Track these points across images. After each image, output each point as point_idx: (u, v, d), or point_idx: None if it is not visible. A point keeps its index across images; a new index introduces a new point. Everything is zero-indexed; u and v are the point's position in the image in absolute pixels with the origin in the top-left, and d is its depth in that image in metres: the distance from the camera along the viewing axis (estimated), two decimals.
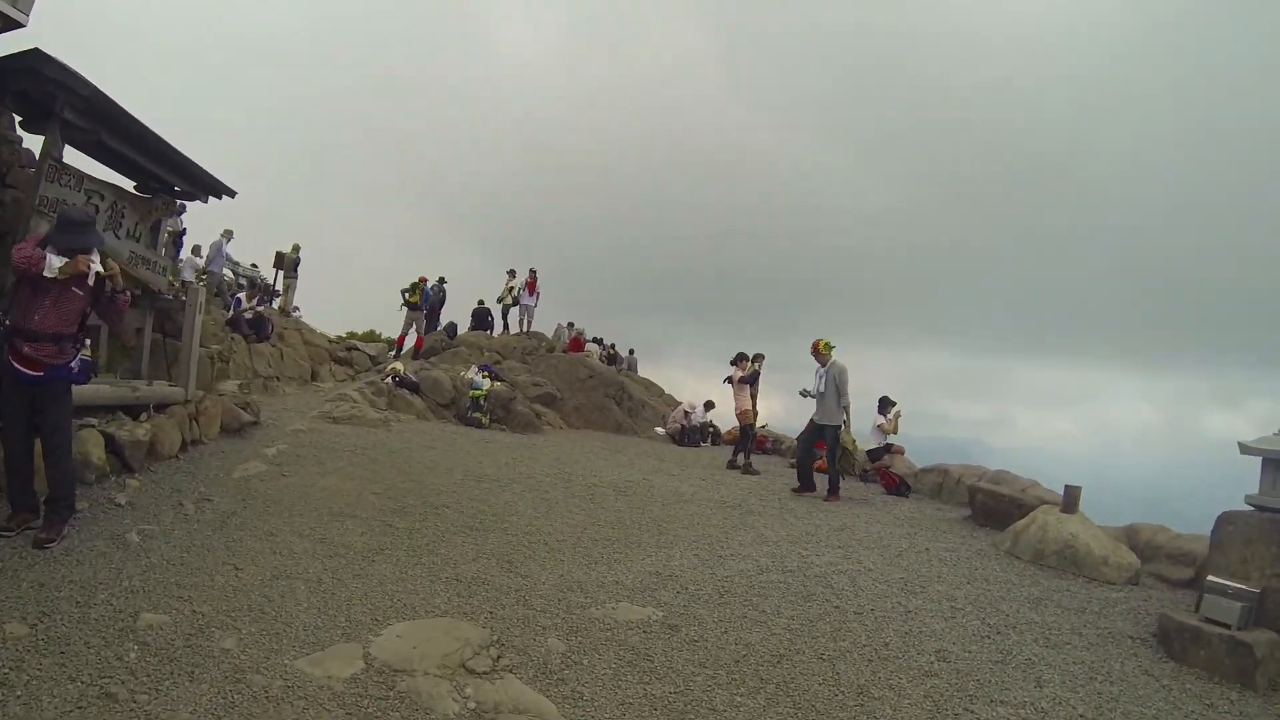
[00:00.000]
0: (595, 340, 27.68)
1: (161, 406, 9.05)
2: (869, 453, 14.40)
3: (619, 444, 16.07)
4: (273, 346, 16.73)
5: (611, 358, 28.06)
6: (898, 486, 12.83)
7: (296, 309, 25.52)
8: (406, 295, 19.98)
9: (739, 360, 14.45)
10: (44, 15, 7.68)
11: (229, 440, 10.02)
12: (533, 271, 24.23)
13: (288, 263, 22.06)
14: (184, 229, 20.11)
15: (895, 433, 14.59)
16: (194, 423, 9.50)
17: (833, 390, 11.18)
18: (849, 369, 11.30)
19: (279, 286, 22.56)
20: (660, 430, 18.75)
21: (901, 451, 14.76)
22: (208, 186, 10.11)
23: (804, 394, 11.87)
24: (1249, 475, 6.66)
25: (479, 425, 14.91)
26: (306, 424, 11.81)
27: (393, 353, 21.15)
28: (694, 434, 18.32)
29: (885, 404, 14.73)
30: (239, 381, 14.43)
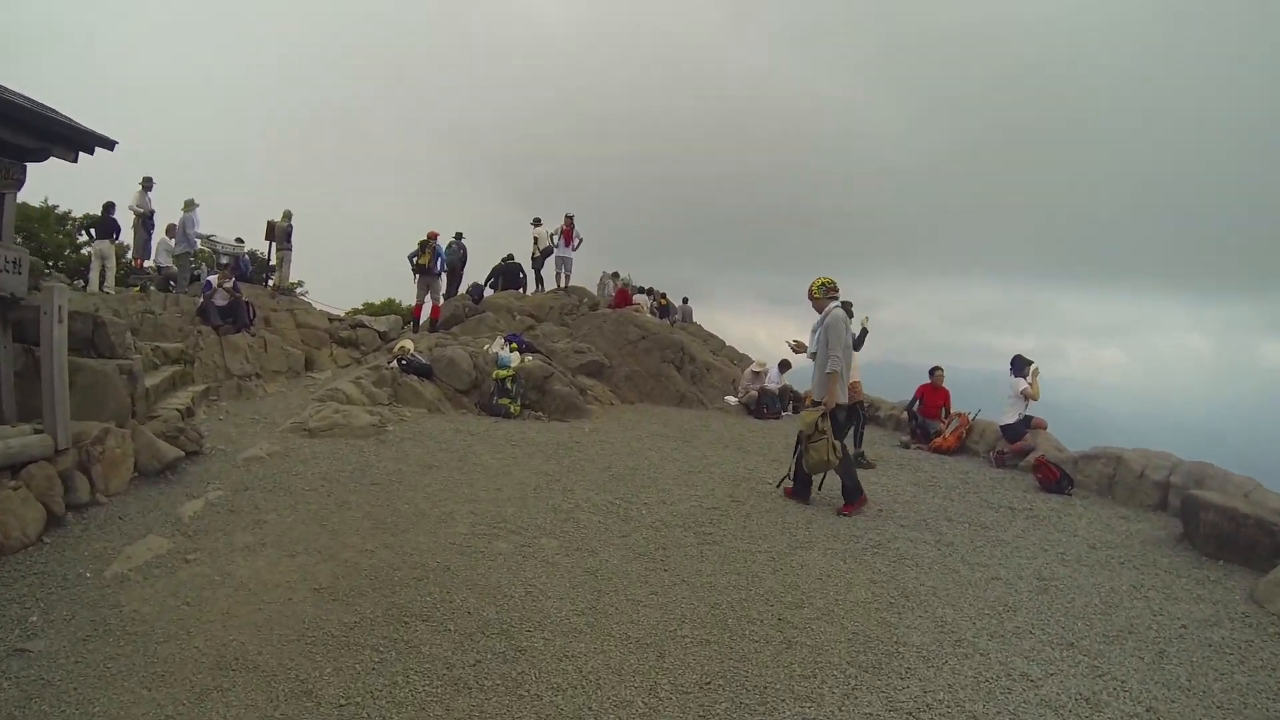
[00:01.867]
0: (643, 290, 24.51)
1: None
2: (1005, 429, 11.38)
3: (686, 425, 13.00)
4: (253, 335, 13.92)
5: (664, 309, 24.95)
6: (1058, 481, 9.55)
7: (300, 286, 22.79)
8: (414, 259, 16.87)
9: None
10: None
11: (146, 490, 7.41)
12: (569, 218, 21.03)
13: (279, 232, 19.25)
14: (153, 209, 17.38)
15: (1037, 398, 11.33)
16: (81, 477, 6.70)
17: (822, 344, 7.96)
18: (847, 320, 8.13)
19: (273, 260, 19.77)
20: (731, 399, 15.58)
21: (1044, 425, 11.53)
22: (63, 139, 7.09)
23: (794, 347, 8.81)
24: None
25: (506, 415, 12.00)
26: (269, 445, 9.03)
27: (409, 326, 18.22)
28: (773, 402, 15.15)
29: (1020, 364, 11.55)
30: (200, 389, 11.67)
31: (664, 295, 26.57)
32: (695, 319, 25.53)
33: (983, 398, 13.09)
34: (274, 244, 19.45)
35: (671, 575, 5.85)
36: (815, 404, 8.07)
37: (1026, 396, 11.25)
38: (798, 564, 6.26)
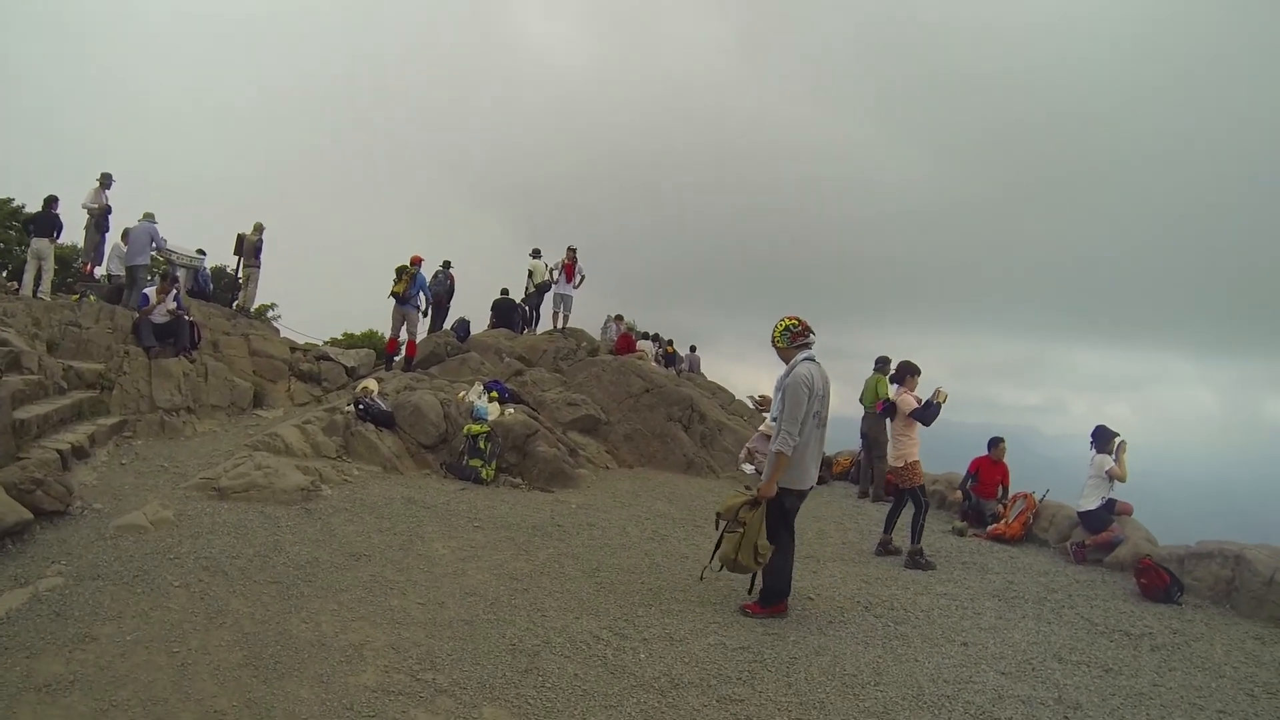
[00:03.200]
0: (648, 336, 22.65)
1: None
2: (1085, 517, 9.52)
3: (695, 500, 11.03)
4: (192, 361, 12.02)
5: (670, 357, 23.10)
6: (1166, 588, 7.62)
7: (271, 309, 20.94)
8: (393, 285, 14.95)
9: (905, 375, 9.11)
10: None
11: None
12: (571, 251, 19.23)
13: (247, 247, 17.45)
14: (108, 206, 15.60)
15: (1125, 479, 9.48)
16: None
17: (780, 421, 6.10)
18: (818, 378, 6.17)
19: (240, 277, 17.95)
20: (748, 467, 13.55)
21: (1130, 511, 9.68)
22: None
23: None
24: None
25: (477, 479, 10.03)
26: (159, 508, 7.14)
27: (383, 363, 16.26)
28: None
29: (1104, 437, 9.73)
30: (111, 423, 9.83)
31: (670, 342, 24.74)
32: (702, 369, 23.69)
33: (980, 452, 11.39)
34: (241, 259, 17.64)
35: None
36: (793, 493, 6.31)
37: (1112, 477, 9.43)
38: None
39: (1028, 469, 9.79)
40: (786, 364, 6.17)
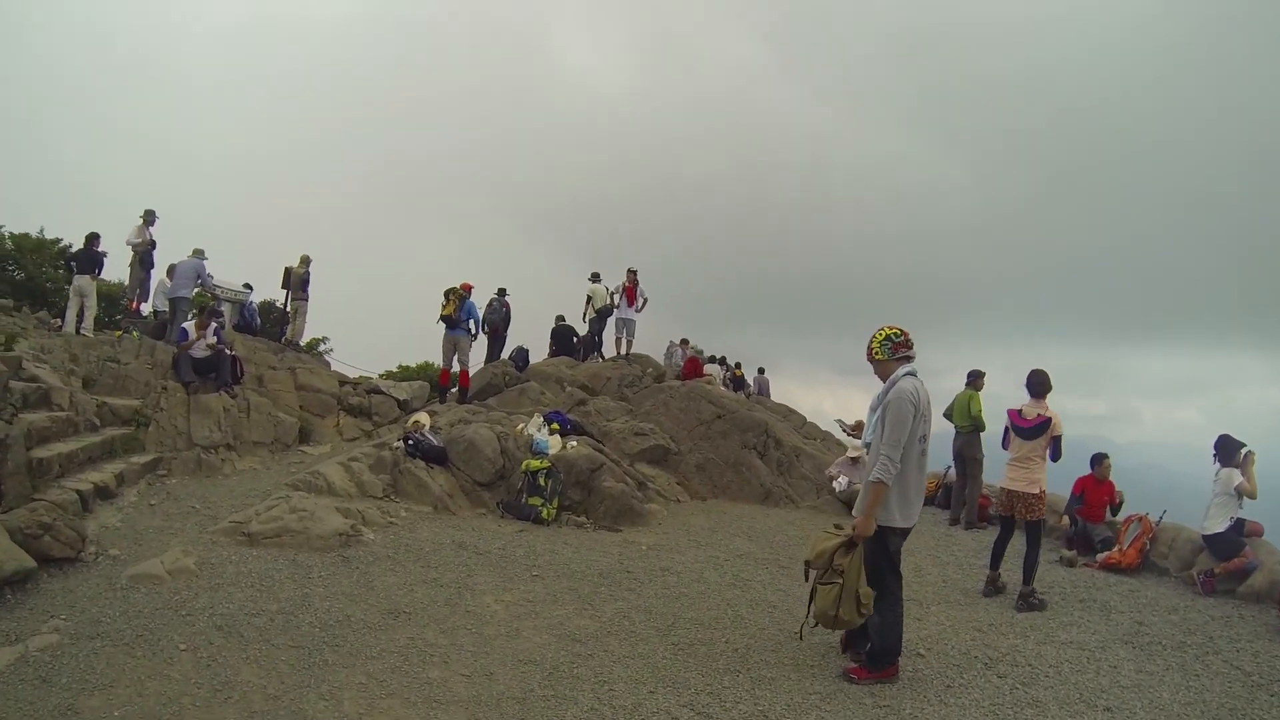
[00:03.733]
0: (715, 360, 21.64)
1: None
2: (1212, 541, 8.50)
3: (777, 534, 9.94)
4: (233, 397, 11.39)
5: (737, 381, 22.08)
6: None
7: (324, 342, 20.51)
8: (441, 308, 14.15)
9: (1039, 387, 7.77)
10: None
11: None
12: (631, 273, 18.35)
13: (294, 280, 16.95)
14: (153, 241, 15.22)
15: (1255, 495, 8.40)
16: None
17: (878, 445, 5.14)
18: (922, 395, 5.18)
19: (289, 310, 17.48)
20: (841, 480, 12.45)
21: (1260, 531, 8.61)
22: None
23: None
24: None
25: (537, 520, 9.08)
26: (181, 554, 6.45)
27: (437, 396, 15.50)
28: None
29: (1229, 447, 8.60)
30: (144, 460, 9.24)
31: (738, 365, 23.72)
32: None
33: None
34: (289, 292, 17.17)
35: None
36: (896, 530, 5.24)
37: (1241, 494, 8.33)
38: None
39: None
40: (884, 379, 5.21)
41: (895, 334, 5.24)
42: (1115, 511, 10.26)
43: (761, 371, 24.03)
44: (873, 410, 5.21)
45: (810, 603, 5.26)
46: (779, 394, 22.60)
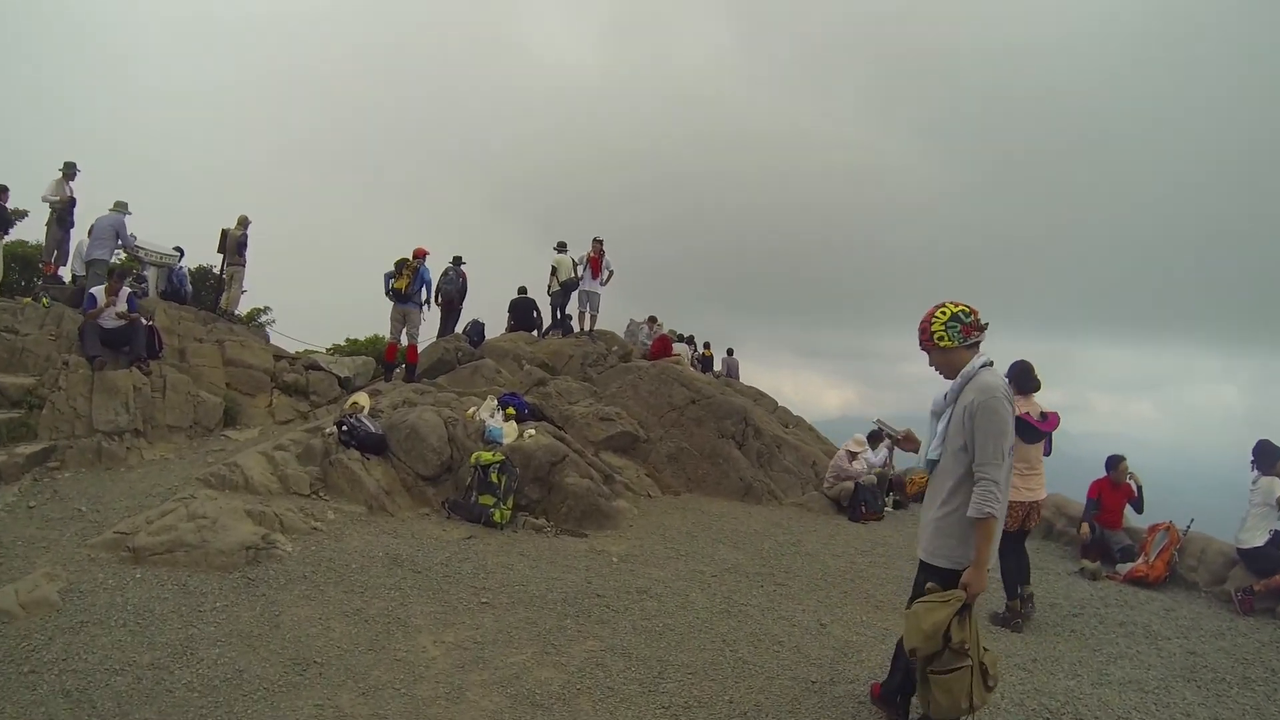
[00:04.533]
0: (683, 339, 20.40)
1: None
2: (1249, 555, 7.72)
3: (764, 538, 8.90)
4: (146, 375, 10.05)
5: (706, 362, 20.94)
6: None
7: (265, 313, 18.96)
8: (390, 282, 12.85)
9: (1031, 382, 6.79)
10: None
11: None
12: (597, 242, 17.05)
13: (230, 243, 15.45)
14: (72, 199, 13.67)
15: None
16: None
17: (958, 449, 3.87)
18: (1009, 395, 3.91)
19: (225, 276, 16.00)
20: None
21: None
22: None
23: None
24: None
25: (489, 523, 7.92)
26: (47, 578, 5.20)
27: (383, 373, 14.20)
28: (873, 499, 11.03)
29: (1270, 454, 7.93)
30: (32, 450, 7.94)
31: (707, 345, 22.57)
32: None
33: None
34: (225, 257, 15.69)
35: None
36: (934, 567, 3.95)
37: None
38: None
39: (1058, 473, 7.95)
40: (949, 373, 3.92)
41: (963, 312, 3.90)
42: (1140, 508, 9.37)
43: (730, 353, 22.91)
44: (935, 415, 3.97)
45: (920, 694, 3.91)
46: (745, 378, 21.43)
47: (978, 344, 3.93)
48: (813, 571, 7.72)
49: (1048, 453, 6.95)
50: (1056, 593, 7.68)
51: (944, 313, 3.91)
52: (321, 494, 8.04)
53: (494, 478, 8.11)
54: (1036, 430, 6.62)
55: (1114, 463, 9.33)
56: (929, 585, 3.81)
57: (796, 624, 5.90)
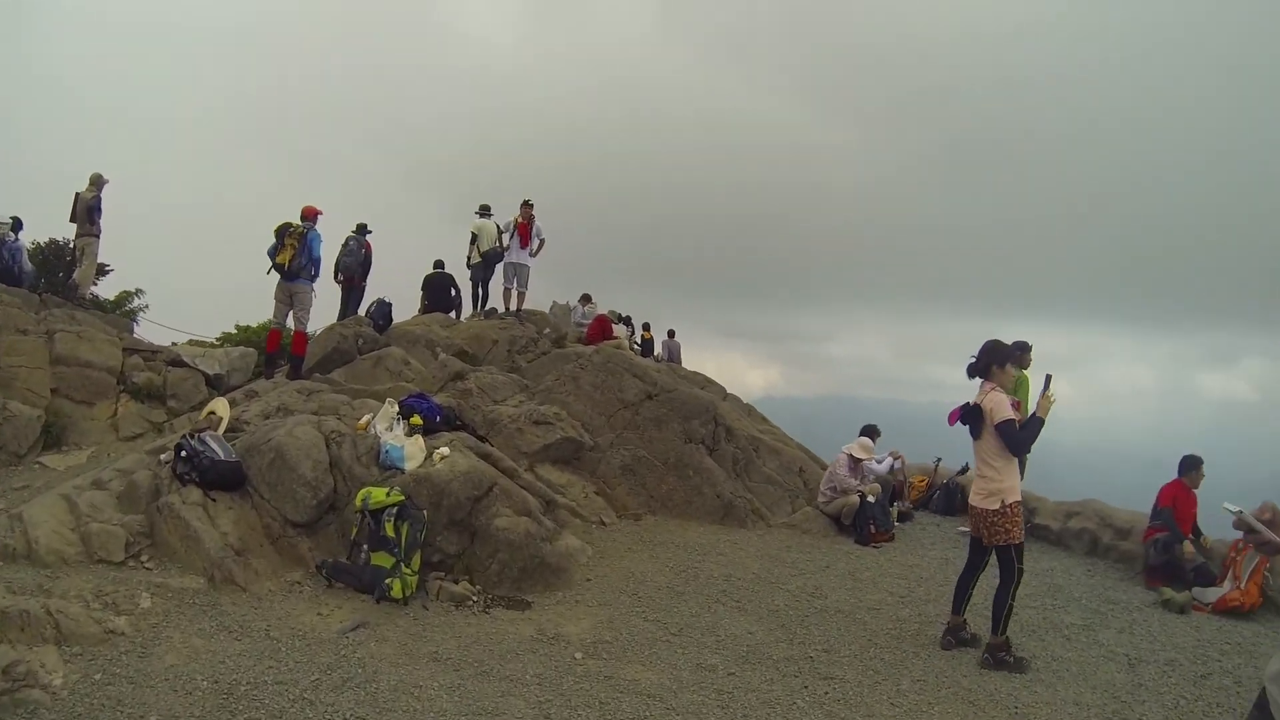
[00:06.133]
0: (621, 319, 18.04)
1: None
2: None
3: (776, 592, 6.75)
4: None
5: (646, 345, 18.86)
6: None
7: (137, 297, 16.00)
8: (274, 255, 10.20)
9: (994, 360, 5.55)
10: None
11: None
12: (527, 206, 14.63)
13: (80, 208, 12.62)
14: None
15: None
16: None
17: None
18: None
19: (76, 248, 13.21)
20: (818, 505, 9.39)
21: None
22: None
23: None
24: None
25: (384, 596, 5.57)
26: None
27: (263, 369, 11.52)
28: (881, 512, 9.05)
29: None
30: None
31: (647, 327, 20.39)
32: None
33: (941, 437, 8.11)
34: (75, 225, 12.88)
35: None
36: None
37: None
38: None
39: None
40: None
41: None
42: (1198, 533, 7.71)
43: (672, 334, 20.81)
44: None
45: None
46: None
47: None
48: (858, 643, 5.66)
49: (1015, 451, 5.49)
50: (1157, 639, 5.91)
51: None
52: (144, 559, 5.63)
53: (388, 529, 5.70)
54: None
55: (1192, 464, 7.68)
56: None
57: None
